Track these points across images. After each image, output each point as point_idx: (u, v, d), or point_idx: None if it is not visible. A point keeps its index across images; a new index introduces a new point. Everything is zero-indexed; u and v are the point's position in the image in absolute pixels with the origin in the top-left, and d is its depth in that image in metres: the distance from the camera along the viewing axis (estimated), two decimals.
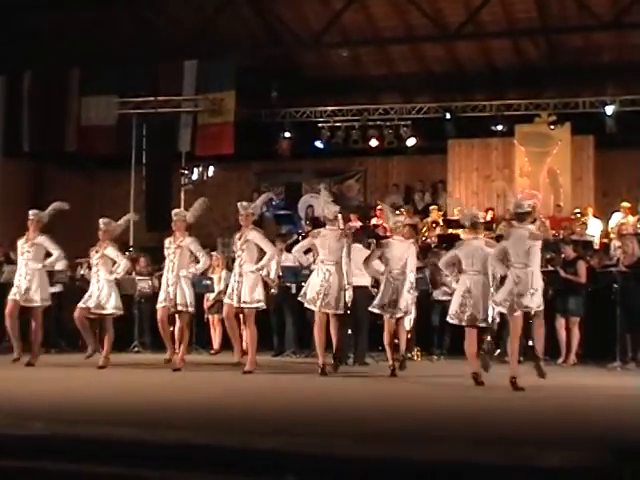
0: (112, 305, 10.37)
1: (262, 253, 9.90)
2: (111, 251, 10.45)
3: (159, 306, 10.17)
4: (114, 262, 10.51)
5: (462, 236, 15.12)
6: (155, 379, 8.94)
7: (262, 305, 9.91)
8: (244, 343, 10.36)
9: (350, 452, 4.21)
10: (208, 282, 13.19)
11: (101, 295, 10.30)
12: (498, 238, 13.32)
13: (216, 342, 13.42)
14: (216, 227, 17.31)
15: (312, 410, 6.46)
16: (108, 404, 6.56)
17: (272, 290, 13.08)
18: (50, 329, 11.99)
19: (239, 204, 10.02)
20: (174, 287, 10.00)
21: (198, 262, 10.34)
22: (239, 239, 9.82)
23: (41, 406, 6.32)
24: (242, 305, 9.75)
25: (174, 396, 7.42)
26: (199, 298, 13.63)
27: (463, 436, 4.96)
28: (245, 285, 9.70)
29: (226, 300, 9.92)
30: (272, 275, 12.98)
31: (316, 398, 7.46)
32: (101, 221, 10.63)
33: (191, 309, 10.26)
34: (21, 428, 4.83)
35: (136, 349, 13.36)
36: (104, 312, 10.36)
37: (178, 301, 9.99)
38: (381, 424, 5.56)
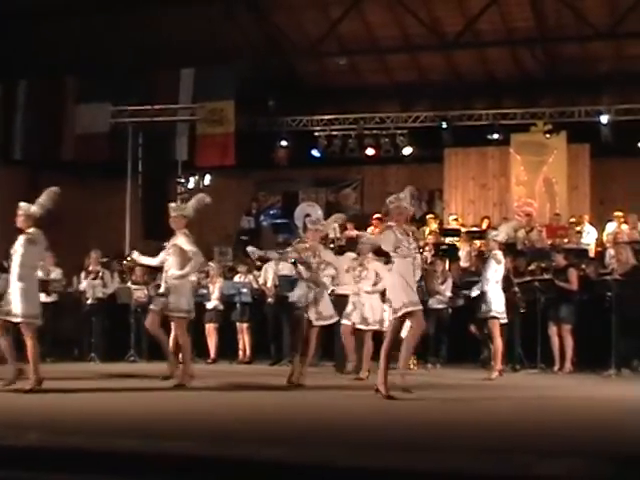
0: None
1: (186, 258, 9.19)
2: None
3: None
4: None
5: (458, 245, 15.16)
6: (152, 389, 8.87)
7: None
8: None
9: (351, 462, 4.19)
10: (204, 291, 13.17)
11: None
12: None
13: (212, 351, 13.39)
14: (214, 236, 17.26)
15: (312, 420, 6.43)
16: (105, 414, 6.52)
17: (269, 299, 13.10)
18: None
19: (170, 205, 9.56)
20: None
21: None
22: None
23: (37, 417, 6.28)
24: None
25: (172, 406, 7.38)
26: (196, 307, 13.63)
27: (463, 445, 4.94)
28: (173, 293, 9.07)
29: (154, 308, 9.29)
30: (269, 284, 13.04)
31: (316, 408, 7.43)
32: (21, 205, 8.58)
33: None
34: (17, 439, 4.80)
35: (132, 358, 13.31)
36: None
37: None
38: (382, 433, 5.54)
